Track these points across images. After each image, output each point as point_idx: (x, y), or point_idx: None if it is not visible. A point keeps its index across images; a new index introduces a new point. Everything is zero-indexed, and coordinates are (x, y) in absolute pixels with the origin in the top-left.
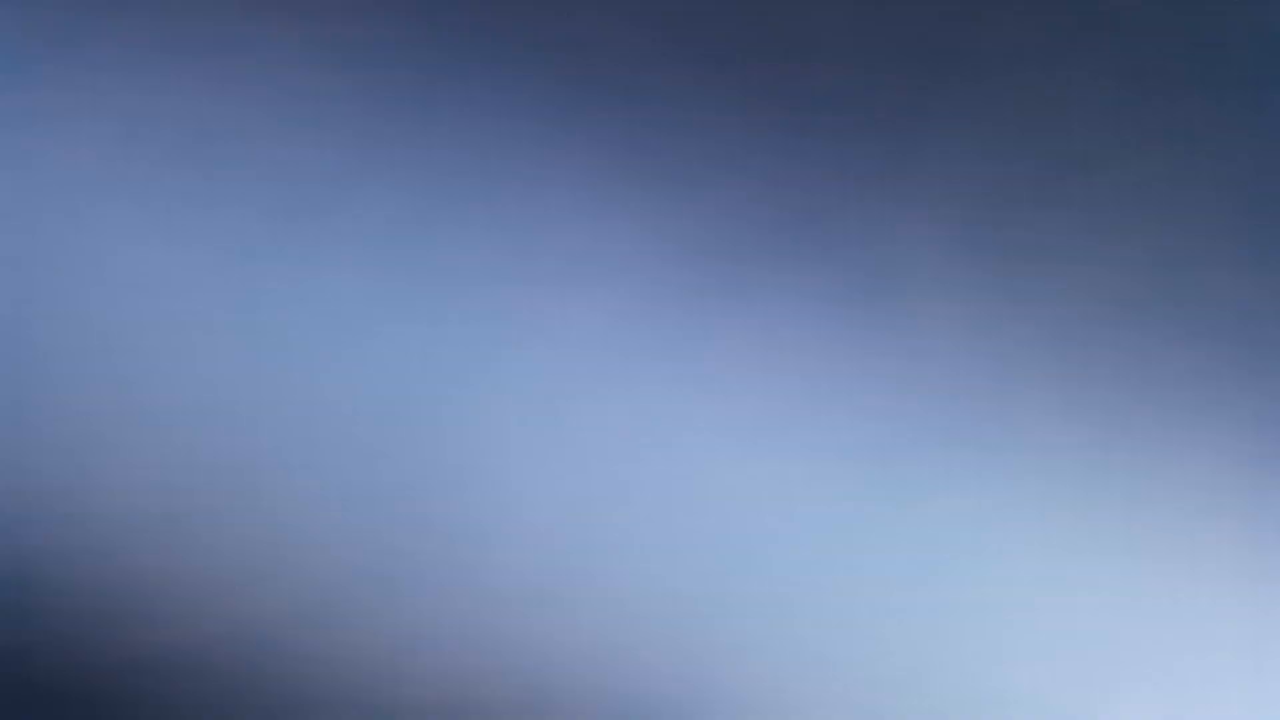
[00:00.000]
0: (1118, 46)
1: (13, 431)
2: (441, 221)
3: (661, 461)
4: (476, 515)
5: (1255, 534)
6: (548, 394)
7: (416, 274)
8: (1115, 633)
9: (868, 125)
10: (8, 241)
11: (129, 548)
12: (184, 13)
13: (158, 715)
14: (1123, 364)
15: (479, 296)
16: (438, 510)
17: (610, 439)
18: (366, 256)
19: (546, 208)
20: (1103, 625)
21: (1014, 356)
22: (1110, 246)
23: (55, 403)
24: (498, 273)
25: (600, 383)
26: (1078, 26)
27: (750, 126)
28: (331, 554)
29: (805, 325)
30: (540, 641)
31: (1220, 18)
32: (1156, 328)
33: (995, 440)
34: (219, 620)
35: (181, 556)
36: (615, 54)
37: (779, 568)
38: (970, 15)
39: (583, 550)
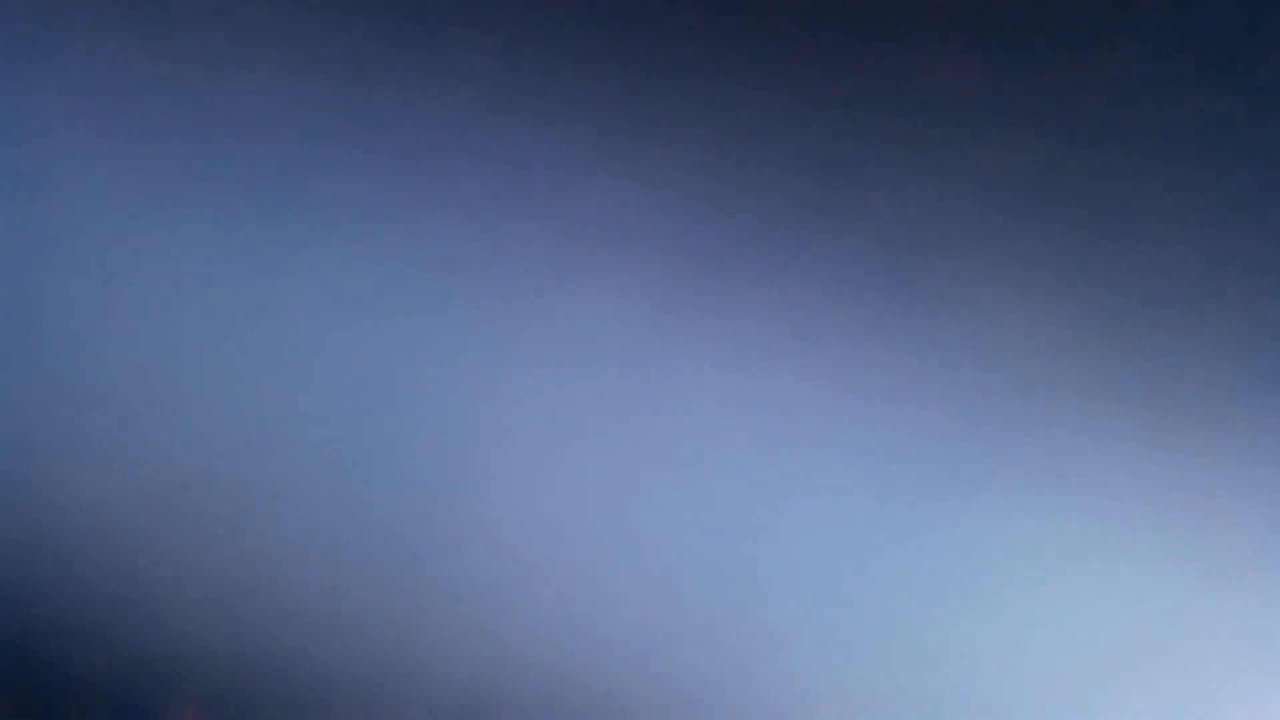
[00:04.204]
0: (1147, 29)
1: (11, 432)
2: (443, 209)
3: (670, 453)
4: (480, 512)
5: (1270, 536)
6: (554, 389)
7: (415, 264)
8: (1128, 633)
9: (892, 110)
10: (4, 241)
11: (131, 548)
12: (173, 10)
13: (160, 715)
14: (1145, 361)
15: (482, 284)
16: (440, 505)
17: (617, 432)
18: (365, 250)
19: (552, 190)
20: (1118, 625)
21: (1038, 351)
22: (1140, 236)
23: (54, 404)
24: (501, 259)
25: (607, 375)
26: (1106, 12)
27: (768, 109)
28: (333, 553)
29: (823, 313)
30: (543, 637)
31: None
32: (1180, 323)
33: (1014, 435)
34: (221, 620)
35: (181, 557)
36: (625, 32)
37: (793, 566)
38: None
39: (585, 545)
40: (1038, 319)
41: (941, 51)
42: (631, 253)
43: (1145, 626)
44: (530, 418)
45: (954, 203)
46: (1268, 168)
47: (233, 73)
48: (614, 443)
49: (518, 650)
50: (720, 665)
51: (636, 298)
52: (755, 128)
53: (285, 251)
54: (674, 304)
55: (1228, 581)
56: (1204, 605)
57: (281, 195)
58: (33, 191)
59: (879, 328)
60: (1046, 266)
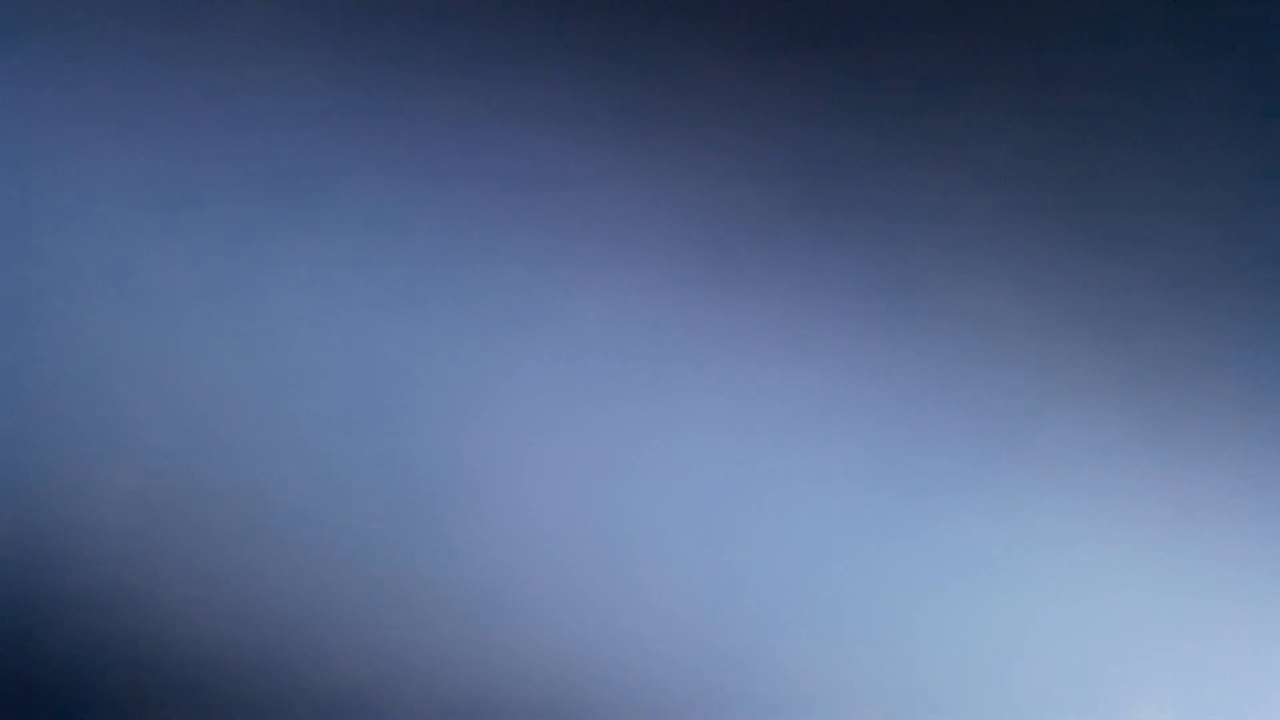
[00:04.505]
0: (1150, 24)
1: (10, 431)
2: (440, 209)
3: (672, 453)
4: (481, 512)
5: (1265, 535)
6: (554, 388)
7: (416, 264)
8: (1127, 633)
9: (891, 109)
10: (2, 238)
11: (129, 551)
12: (176, 9)
13: (157, 714)
14: (1143, 358)
15: (482, 286)
16: (440, 508)
17: (618, 433)
18: (365, 248)
19: (551, 190)
20: (1117, 626)
21: (1035, 348)
22: (1142, 233)
23: (52, 400)
24: (501, 260)
25: (609, 378)
26: (1108, 7)
27: (767, 108)
28: (333, 554)
29: (824, 312)
30: (546, 639)
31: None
32: (1178, 321)
33: (1012, 432)
34: (219, 623)
35: (180, 560)
36: (626, 32)
37: (792, 565)
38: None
39: (587, 545)
40: (1037, 316)
41: (944, 49)
42: (633, 251)
43: (1144, 624)
44: (531, 416)
45: (955, 201)
46: (1269, 164)
47: (234, 69)
48: (615, 441)
49: (519, 651)
50: (722, 664)
51: (638, 296)
52: (755, 125)
53: (286, 249)
54: (676, 302)
55: (1228, 580)
56: (1204, 603)
57: (283, 192)
58: (32, 188)
59: (878, 325)
60: (1046, 264)
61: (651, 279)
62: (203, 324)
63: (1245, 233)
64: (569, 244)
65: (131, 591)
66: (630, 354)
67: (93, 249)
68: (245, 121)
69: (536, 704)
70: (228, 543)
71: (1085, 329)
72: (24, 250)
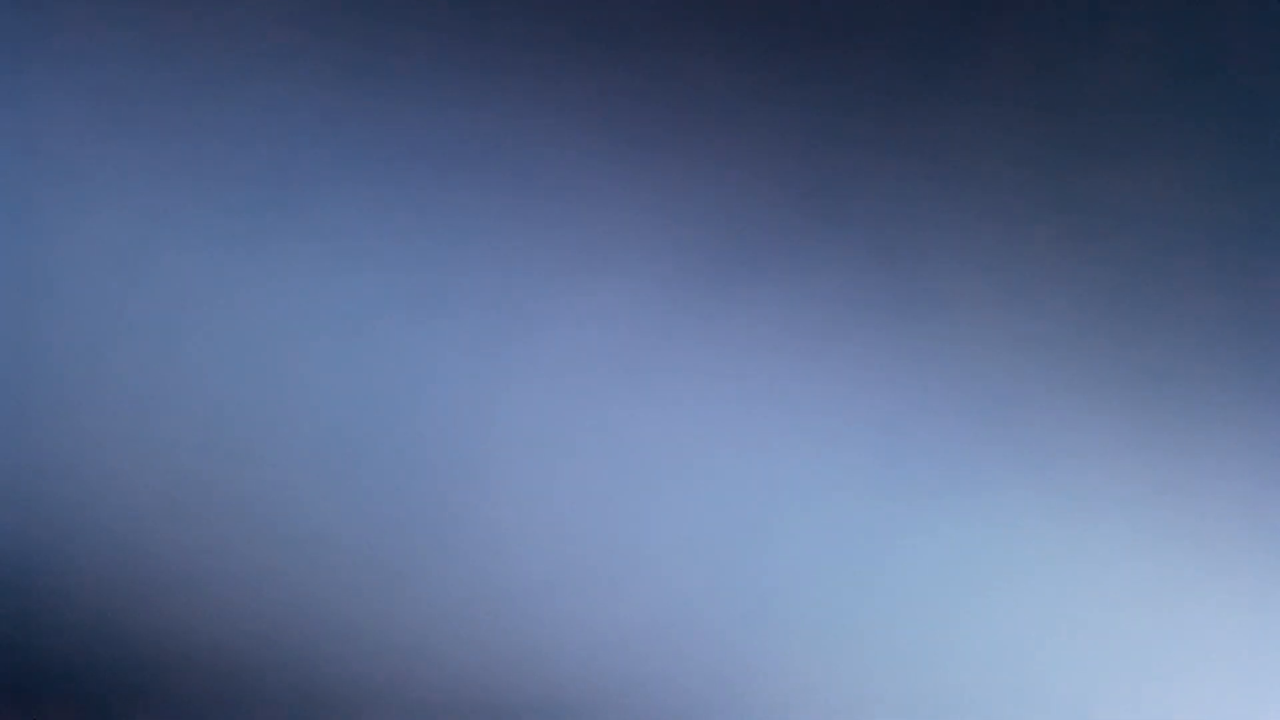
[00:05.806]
0: (1138, 32)
1: (12, 430)
2: (444, 211)
3: (674, 456)
4: (482, 512)
5: (1263, 533)
6: (557, 390)
7: (420, 266)
8: (1125, 631)
9: (890, 110)
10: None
11: (131, 547)
12: (172, 10)
13: (160, 713)
14: (1142, 360)
15: (485, 287)
16: (443, 508)
17: (620, 435)
18: (367, 249)
19: (553, 193)
20: (1114, 624)
21: (1035, 350)
22: (1139, 235)
23: (54, 402)
24: (503, 262)
25: (610, 377)
26: (1095, 16)
27: (767, 110)
28: (335, 558)
29: (823, 315)
30: (548, 640)
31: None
32: (1175, 324)
33: (1012, 435)
34: (223, 619)
35: (183, 557)
36: (626, 34)
37: (792, 562)
38: None
39: (591, 547)
40: (1036, 318)
41: (941, 53)
42: (636, 254)
43: (1147, 626)
44: (534, 418)
45: (954, 204)
46: (1265, 165)
47: (235, 74)
48: (617, 442)
49: (525, 652)
50: (725, 666)
51: (641, 298)
52: (759, 128)
53: (287, 254)
54: (678, 306)
55: (1227, 579)
56: (1204, 603)
57: (284, 197)
58: (33, 193)
59: (882, 329)
60: (1045, 266)
61: (654, 282)
62: (204, 324)
63: (1245, 235)
64: (572, 246)
65: (132, 590)
66: (633, 356)
67: (94, 249)
68: (248, 121)
69: (540, 704)
70: (229, 540)
71: (1089, 333)
72: (26, 250)
